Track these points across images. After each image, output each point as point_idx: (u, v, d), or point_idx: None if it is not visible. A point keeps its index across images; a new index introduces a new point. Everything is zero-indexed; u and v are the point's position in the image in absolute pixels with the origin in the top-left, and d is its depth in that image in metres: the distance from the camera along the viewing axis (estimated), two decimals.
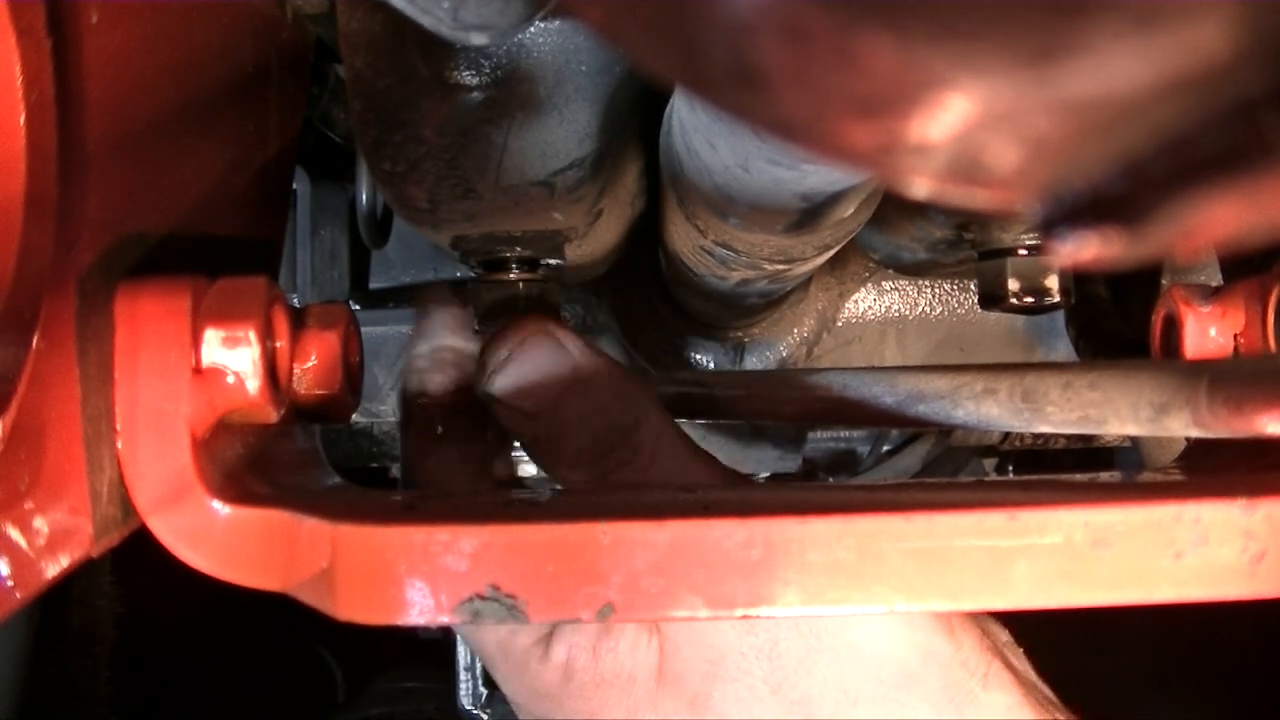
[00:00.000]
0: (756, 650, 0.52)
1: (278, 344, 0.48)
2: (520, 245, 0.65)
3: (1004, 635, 0.57)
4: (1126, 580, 0.39)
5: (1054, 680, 0.56)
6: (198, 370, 0.44)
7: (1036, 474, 1.46)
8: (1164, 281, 0.81)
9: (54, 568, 0.40)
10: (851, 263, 1.00)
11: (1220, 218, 0.19)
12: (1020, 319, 1.02)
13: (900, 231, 0.83)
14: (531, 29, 0.51)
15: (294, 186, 1.06)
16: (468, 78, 0.52)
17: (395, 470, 1.32)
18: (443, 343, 0.63)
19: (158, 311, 0.44)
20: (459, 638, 1.17)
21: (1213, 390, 0.44)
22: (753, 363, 1.01)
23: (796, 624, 0.51)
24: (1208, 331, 0.57)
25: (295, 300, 1.09)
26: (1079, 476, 0.54)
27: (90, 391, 0.42)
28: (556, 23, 0.51)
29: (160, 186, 0.49)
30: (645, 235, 0.91)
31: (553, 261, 0.67)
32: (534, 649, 0.54)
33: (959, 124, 0.18)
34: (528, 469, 1.51)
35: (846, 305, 1.02)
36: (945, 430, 1.11)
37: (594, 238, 0.70)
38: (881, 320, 1.03)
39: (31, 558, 0.38)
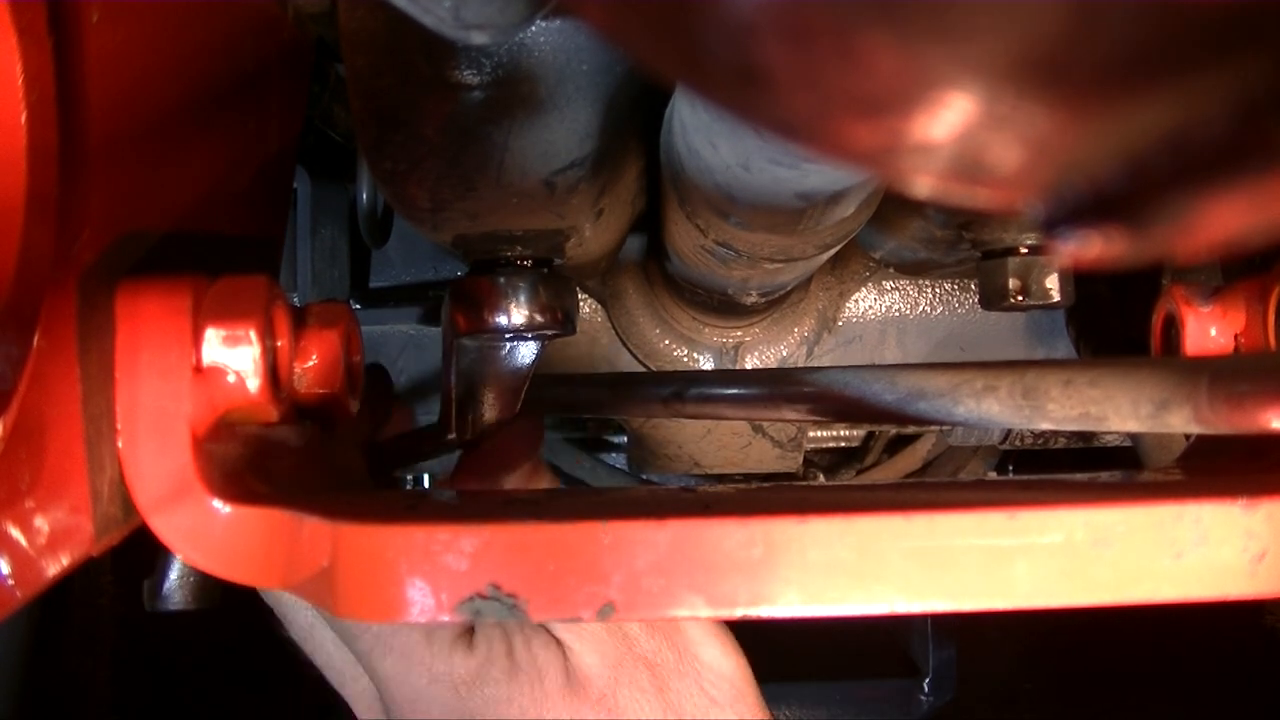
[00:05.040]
0: (642, 659, 0.62)
1: (278, 343, 0.48)
2: (521, 244, 0.65)
3: None
4: (1127, 580, 0.39)
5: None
6: (198, 369, 0.44)
7: (1036, 474, 1.46)
8: (1164, 281, 0.81)
9: (55, 567, 0.40)
10: (852, 262, 1.00)
11: (1222, 217, 0.19)
12: (1021, 318, 1.02)
13: (901, 231, 0.83)
14: (533, 28, 0.51)
15: (294, 185, 1.05)
16: (469, 77, 0.52)
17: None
18: None
19: (158, 310, 0.44)
20: None
21: (1214, 386, 0.44)
22: (753, 362, 1.01)
23: (669, 638, 0.63)
24: (1208, 331, 0.57)
25: (296, 299, 1.09)
26: (1079, 476, 0.54)
27: (91, 390, 0.42)
28: (558, 22, 0.51)
29: (161, 185, 0.49)
30: (645, 234, 0.91)
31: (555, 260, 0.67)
32: (459, 640, 0.60)
33: (961, 123, 0.18)
34: None
35: (847, 305, 1.02)
36: (945, 429, 1.11)
37: (595, 237, 0.70)
38: (882, 320, 1.03)
39: (32, 557, 0.38)
